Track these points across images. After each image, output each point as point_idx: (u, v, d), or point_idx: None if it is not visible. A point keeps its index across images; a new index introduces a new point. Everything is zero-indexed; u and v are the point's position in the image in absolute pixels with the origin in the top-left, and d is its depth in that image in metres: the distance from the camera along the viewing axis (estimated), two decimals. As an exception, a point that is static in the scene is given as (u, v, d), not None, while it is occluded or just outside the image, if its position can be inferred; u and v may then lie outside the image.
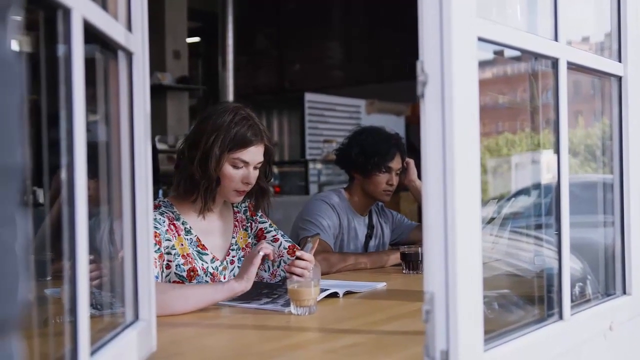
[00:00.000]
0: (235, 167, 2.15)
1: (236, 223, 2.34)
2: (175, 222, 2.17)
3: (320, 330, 1.74)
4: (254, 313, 1.90)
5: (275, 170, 7.65)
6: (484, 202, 1.30)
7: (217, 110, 2.20)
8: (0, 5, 0.57)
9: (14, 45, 0.59)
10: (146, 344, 1.38)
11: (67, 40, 0.98)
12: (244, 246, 2.33)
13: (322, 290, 2.02)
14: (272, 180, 2.36)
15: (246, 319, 1.87)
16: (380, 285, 2.32)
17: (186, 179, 2.17)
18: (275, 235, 2.36)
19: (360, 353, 1.48)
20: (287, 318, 1.82)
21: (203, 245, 2.20)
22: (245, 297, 2.04)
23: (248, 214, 2.38)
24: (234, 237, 2.31)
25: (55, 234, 1.24)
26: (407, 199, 6.47)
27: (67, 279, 1.02)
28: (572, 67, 1.56)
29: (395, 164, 2.98)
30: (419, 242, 2.95)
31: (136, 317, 1.37)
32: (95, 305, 1.31)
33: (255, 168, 2.19)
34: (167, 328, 1.66)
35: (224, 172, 2.15)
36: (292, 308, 1.85)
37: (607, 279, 1.85)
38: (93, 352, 1.09)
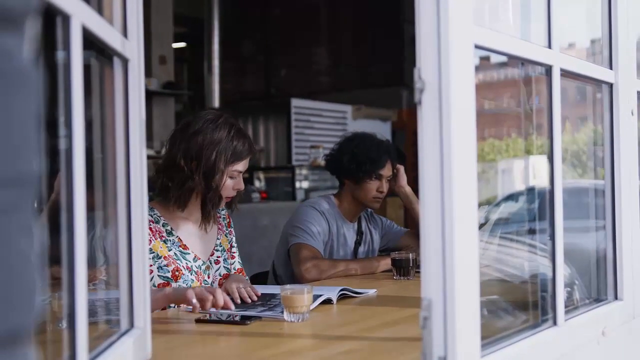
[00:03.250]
0: (231, 177, 2.26)
1: (220, 226, 2.42)
2: (153, 225, 2.22)
3: (315, 337, 1.73)
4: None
5: (262, 176, 7.64)
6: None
7: (207, 122, 2.24)
8: (17, 16, 0.57)
9: (31, 54, 0.59)
10: (141, 352, 1.37)
11: (67, 47, 0.98)
12: (227, 248, 2.42)
13: (316, 297, 2.02)
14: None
15: (240, 326, 1.86)
16: (372, 292, 2.32)
17: (186, 192, 2.22)
18: (235, 253, 2.48)
19: (358, 359, 1.48)
20: (280, 325, 1.81)
21: (185, 245, 2.26)
22: (241, 305, 2.04)
23: (226, 222, 2.47)
24: (218, 239, 2.39)
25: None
26: (393, 205, 6.48)
27: (64, 286, 1.01)
28: (564, 74, 1.57)
29: (386, 171, 2.98)
30: (408, 248, 2.96)
31: (131, 325, 1.36)
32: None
33: (243, 175, 2.32)
34: (162, 336, 1.66)
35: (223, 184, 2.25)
36: (285, 315, 1.85)
37: (598, 284, 1.86)
38: (90, 361, 1.08)
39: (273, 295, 2.16)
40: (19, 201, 0.55)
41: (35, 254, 0.56)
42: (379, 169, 2.95)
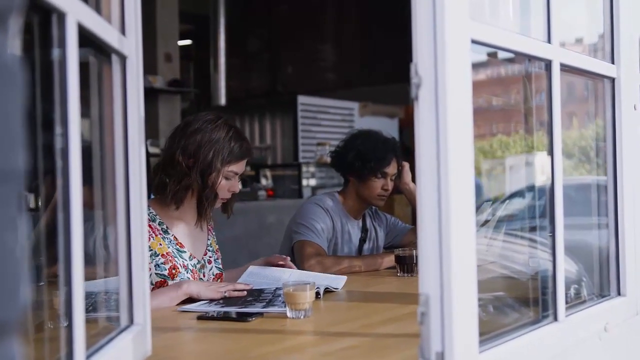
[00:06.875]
0: (227, 178, 2.29)
1: (210, 228, 2.46)
2: (150, 223, 2.24)
3: (316, 333, 1.73)
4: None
5: (268, 173, 7.64)
6: (478, 205, 1.30)
7: (206, 122, 2.28)
8: (0, 13, 0.57)
9: (15, 50, 0.59)
10: (141, 349, 1.37)
11: (62, 45, 0.98)
12: (216, 249, 2.46)
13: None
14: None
15: (241, 322, 1.86)
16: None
17: (183, 189, 2.25)
18: (215, 257, 2.46)
19: (357, 355, 1.48)
20: (282, 321, 1.82)
21: (181, 243, 2.30)
22: (234, 304, 2.02)
23: (211, 225, 2.49)
24: (209, 239, 2.43)
25: (48, 239, 1.24)
26: (400, 202, 6.47)
27: (61, 284, 1.02)
28: (565, 68, 1.57)
29: (391, 169, 2.97)
30: (413, 245, 2.95)
31: (131, 321, 1.36)
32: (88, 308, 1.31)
33: (240, 178, 2.34)
34: (162, 332, 1.66)
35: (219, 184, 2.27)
36: (288, 311, 1.85)
37: (601, 280, 1.85)
38: (88, 357, 1.08)
39: (260, 292, 2.17)
40: (3, 195, 0.55)
41: (20, 248, 0.57)
42: (384, 167, 2.94)
